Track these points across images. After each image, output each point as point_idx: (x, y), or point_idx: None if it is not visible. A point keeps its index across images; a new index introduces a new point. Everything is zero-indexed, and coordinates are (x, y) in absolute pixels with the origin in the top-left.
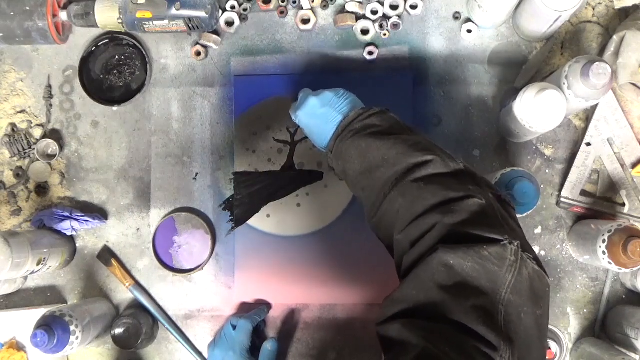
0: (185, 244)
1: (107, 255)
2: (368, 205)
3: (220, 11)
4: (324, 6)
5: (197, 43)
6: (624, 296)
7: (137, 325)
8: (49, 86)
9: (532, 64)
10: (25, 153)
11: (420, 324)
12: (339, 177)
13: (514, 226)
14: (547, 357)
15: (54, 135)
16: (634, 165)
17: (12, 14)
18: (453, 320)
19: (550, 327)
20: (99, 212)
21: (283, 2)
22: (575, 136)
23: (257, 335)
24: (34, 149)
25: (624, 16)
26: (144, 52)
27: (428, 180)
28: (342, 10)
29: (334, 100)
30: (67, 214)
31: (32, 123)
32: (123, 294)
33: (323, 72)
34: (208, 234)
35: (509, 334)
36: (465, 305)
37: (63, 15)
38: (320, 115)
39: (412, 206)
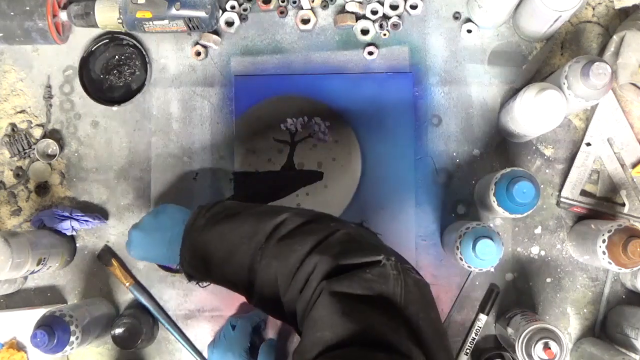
0: None
1: (107, 255)
2: (243, 288)
3: (220, 11)
4: (324, 6)
5: (197, 43)
6: (624, 296)
7: (137, 325)
8: (49, 86)
9: (532, 64)
10: (25, 153)
11: (336, 355)
12: (200, 280)
13: (384, 245)
14: (547, 357)
15: (54, 135)
16: (634, 165)
17: (12, 14)
18: (360, 340)
19: (550, 327)
20: (99, 212)
21: (283, 2)
22: (575, 136)
23: (257, 335)
24: (34, 149)
25: (624, 16)
26: (144, 52)
27: (292, 235)
28: (342, 10)
29: (156, 221)
30: (67, 214)
31: (32, 123)
32: (123, 294)
33: (323, 72)
34: None
35: (415, 342)
36: (370, 324)
37: (63, 15)
38: (154, 242)
39: (288, 262)
